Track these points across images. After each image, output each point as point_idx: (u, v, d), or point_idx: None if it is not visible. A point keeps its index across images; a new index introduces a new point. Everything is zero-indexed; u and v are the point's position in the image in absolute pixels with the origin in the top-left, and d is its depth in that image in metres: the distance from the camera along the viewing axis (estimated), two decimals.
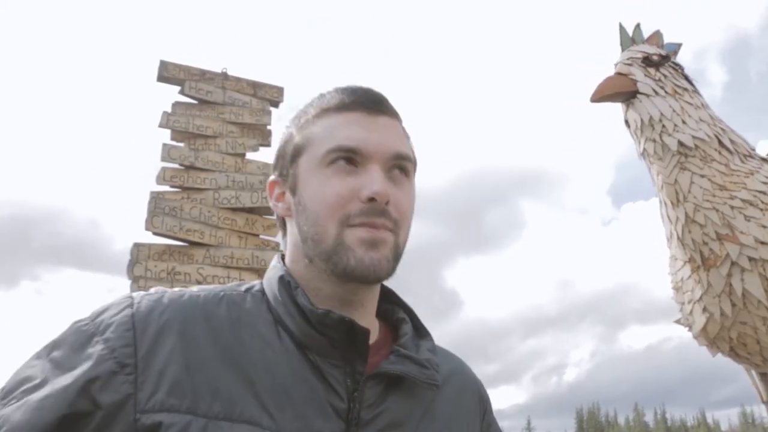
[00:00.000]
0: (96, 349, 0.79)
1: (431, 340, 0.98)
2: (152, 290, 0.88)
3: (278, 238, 5.64)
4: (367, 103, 0.90)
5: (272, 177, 0.98)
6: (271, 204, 0.97)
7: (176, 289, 0.88)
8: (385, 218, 0.85)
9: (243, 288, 0.92)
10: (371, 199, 0.84)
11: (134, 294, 0.86)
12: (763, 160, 3.47)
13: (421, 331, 0.99)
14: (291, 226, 0.93)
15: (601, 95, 3.37)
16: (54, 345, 0.83)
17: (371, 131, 0.88)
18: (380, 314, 0.99)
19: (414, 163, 0.94)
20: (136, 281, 4.83)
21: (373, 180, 0.85)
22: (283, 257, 0.96)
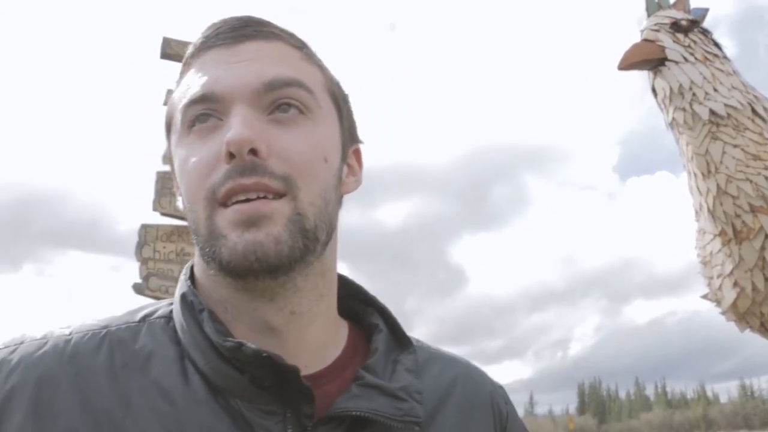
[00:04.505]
0: None
1: (413, 352, 0.73)
2: (7, 339, 0.65)
3: None
4: (226, 32, 0.68)
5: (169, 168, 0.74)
6: (177, 202, 0.73)
7: (40, 333, 0.65)
8: (259, 176, 0.61)
9: (139, 316, 0.68)
10: (231, 156, 0.61)
11: None
12: None
13: (400, 340, 0.74)
14: None
15: (629, 63, 3.24)
16: None
17: (230, 65, 0.65)
18: (350, 316, 0.76)
19: (312, 90, 0.68)
20: (145, 263, 4.76)
21: (228, 127, 0.62)
22: (191, 264, 0.73)
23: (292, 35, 0.71)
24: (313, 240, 0.64)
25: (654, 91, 3.40)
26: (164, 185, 5.06)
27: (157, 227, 5.03)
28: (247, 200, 0.61)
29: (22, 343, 0.64)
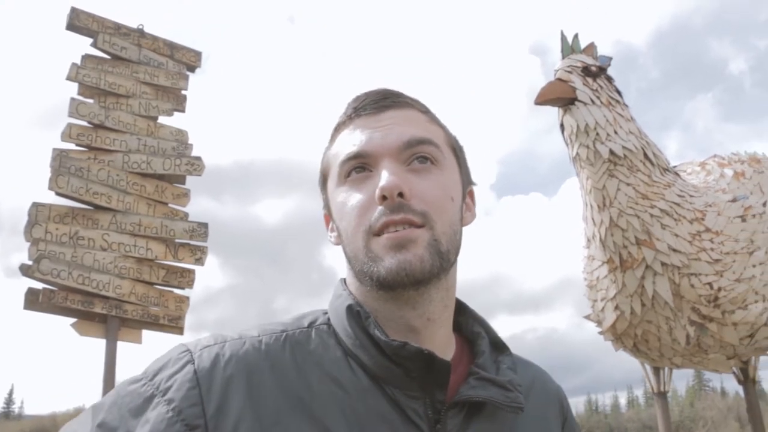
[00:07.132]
0: (158, 411, 0.72)
1: (510, 354, 0.92)
2: (208, 338, 0.81)
3: (188, 208, 5.41)
4: (370, 104, 0.87)
5: (324, 210, 0.95)
6: (328, 237, 0.93)
7: (233, 334, 0.82)
8: (405, 213, 0.79)
9: (306, 322, 0.85)
10: (383, 198, 0.79)
11: (190, 345, 0.79)
12: (677, 174, 3.79)
13: (498, 345, 0.93)
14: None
15: (544, 98, 3.52)
16: (101, 408, 0.76)
17: (376, 129, 0.84)
18: (453, 327, 0.93)
19: (439, 145, 0.86)
20: (35, 244, 4.45)
21: (380, 177, 0.80)
22: (345, 282, 0.90)
23: (419, 102, 0.91)
24: (446, 260, 0.81)
25: (562, 126, 3.72)
26: (62, 164, 4.78)
27: (50, 207, 4.72)
28: (396, 231, 0.79)
29: (225, 341, 0.80)
